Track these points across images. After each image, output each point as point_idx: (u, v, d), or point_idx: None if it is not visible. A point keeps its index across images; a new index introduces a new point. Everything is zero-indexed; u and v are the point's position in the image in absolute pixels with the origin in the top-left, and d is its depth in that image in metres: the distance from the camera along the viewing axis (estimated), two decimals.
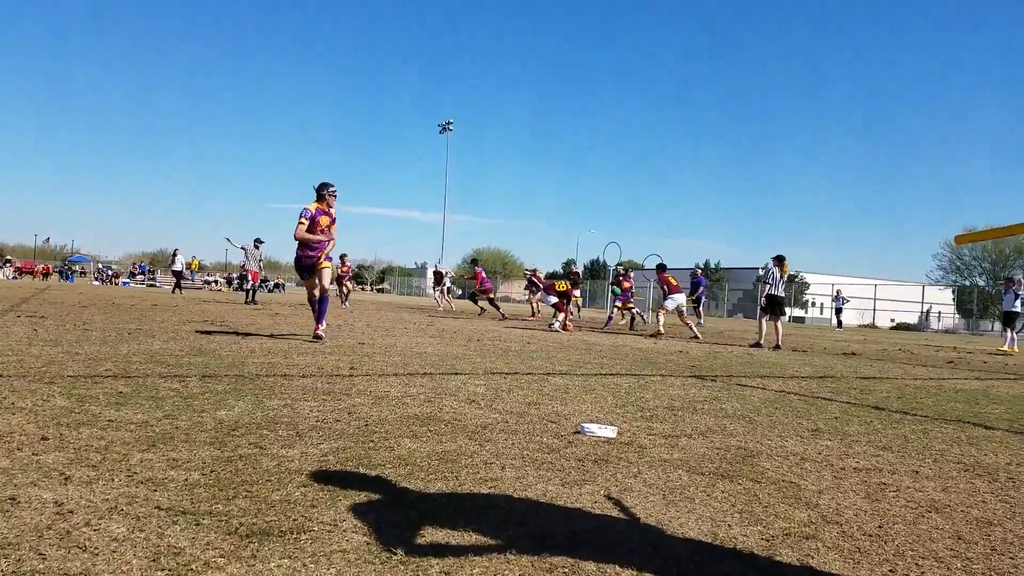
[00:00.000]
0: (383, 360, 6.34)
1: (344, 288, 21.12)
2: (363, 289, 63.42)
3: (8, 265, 44.69)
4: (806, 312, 59.06)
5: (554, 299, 13.85)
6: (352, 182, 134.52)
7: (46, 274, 45.65)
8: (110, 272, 44.44)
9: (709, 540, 2.09)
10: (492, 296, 20.11)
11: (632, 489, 2.59)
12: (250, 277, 19.90)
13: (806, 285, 59.93)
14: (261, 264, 20.27)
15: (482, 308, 20.61)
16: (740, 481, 2.79)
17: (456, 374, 5.64)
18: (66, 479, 2.27)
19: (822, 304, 57.52)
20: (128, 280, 42.61)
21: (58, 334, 7.01)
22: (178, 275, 26.64)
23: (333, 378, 5.00)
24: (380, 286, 68.27)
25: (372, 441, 3.10)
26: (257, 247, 20.39)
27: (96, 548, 1.73)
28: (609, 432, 3.51)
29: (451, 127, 61.11)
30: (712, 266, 69.95)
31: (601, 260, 29.33)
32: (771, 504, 2.51)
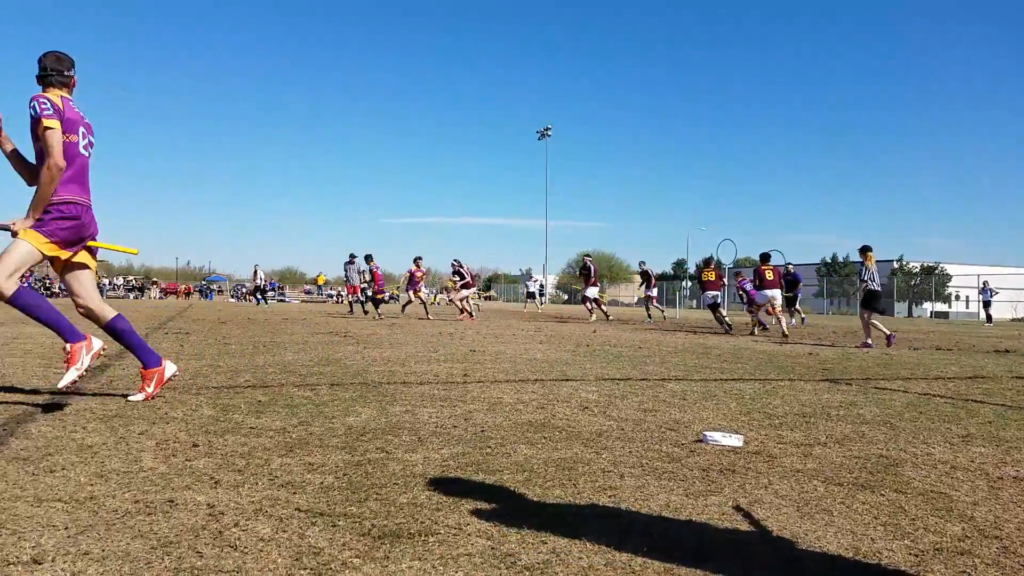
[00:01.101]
0: (494, 367, 6.44)
1: (417, 297, 19.29)
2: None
3: (154, 286, 49.01)
4: (949, 306, 54.37)
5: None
6: (457, 193, 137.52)
7: (188, 293, 49.67)
8: (244, 290, 47.79)
9: (850, 555, 1.97)
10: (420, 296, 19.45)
11: (762, 501, 2.48)
12: (346, 291, 22.25)
13: (948, 277, 55.44)
14: (363, 276, 21.31)
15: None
16: (883, 492, 2.62)
17: (567, 380, 5.63)
18: (216, 483, 2.46)
19: (967, 297, 52.93)
20: (261, 297, 45.67)
21: (201, 348, 7.61)
22: (260, 289, 29.29)
23: (448, 385, 5.13)
24: (487, 294, 69.47)
25: (489, 447, 3.15)
26: (352, 261, 21.65)
27: (245, 547, 1.86)
28: (735, 441, 3.39)
29: (550, 132, 61.22)
30: (840, 260, 66.17)
31: (715, 258, 28.25)
32: (919, 517, 2.33)
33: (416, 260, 18.75)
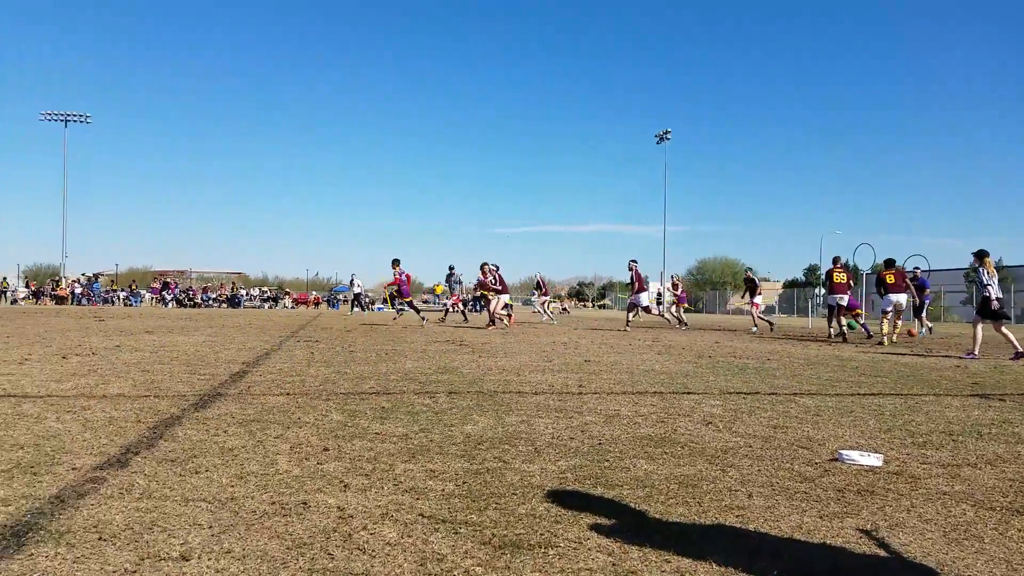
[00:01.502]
0: (610, 378, 6.35)
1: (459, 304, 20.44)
2: (584, 306, 64.39)
3: (287, 297, 52.29)
4: None
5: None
6: (573, 200, 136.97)
7: (316, 303, 52.52)
8: (367, 300, 50.12)
9: None
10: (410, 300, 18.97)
11: (904, 524, 2.29)
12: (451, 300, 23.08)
13: None
14: (460, 286, 22.01)
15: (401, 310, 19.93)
16: None
17: (688, 393, 5.46)
18: (345, 487, 2.56)
19: None
20: (382, 306, 47.62)
21: (330, 356, 8.01)
22: (357, 297, 31.29)
23: (564, 395, 5.11)
24: (601, 302, 68.63)
25: (607, 461, 3.10)
26: (451, 272, 23.19)
27: (373, 551, 1.92)
28: (873, 460, 3.15)
29: (669, 136, 59.92)
30: (996, 264, 60.43)
31: (852, 264, 26.51)
32: None
33: (482, 267, 17.73)
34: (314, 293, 57.12)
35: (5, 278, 42.87)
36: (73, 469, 2.74)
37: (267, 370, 6.37)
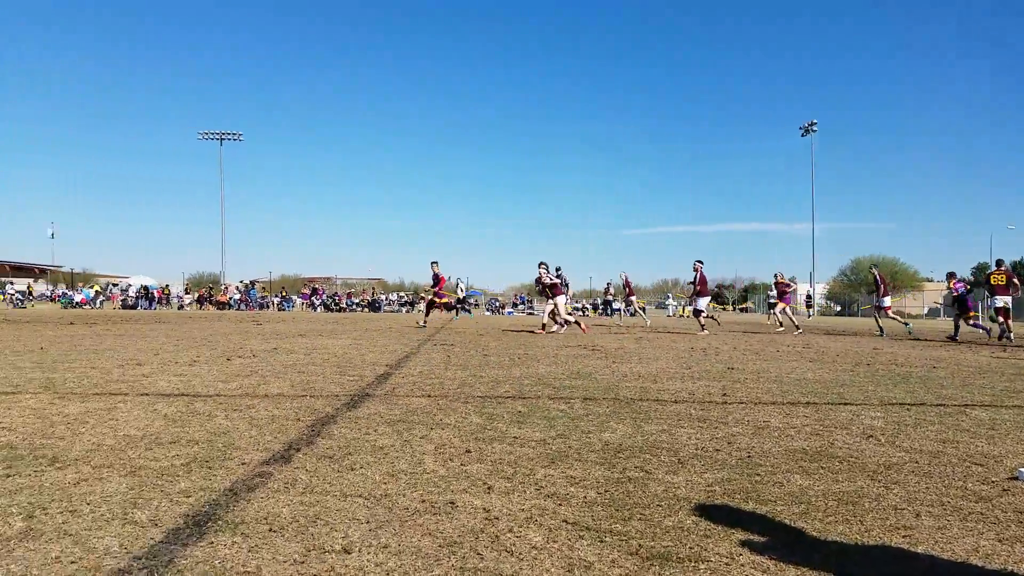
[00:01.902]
0: (757, 386, 6.06)
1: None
2: (725, 309, 61.91)
3: (422, 301, 54.58)
4: None
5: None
6: (709, 198, 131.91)
7: (449, 307, 54.33)
8: (497, 303, 51.10)
9: None
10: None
11: None
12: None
13: None
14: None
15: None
16: None
17: (845, 404, 5.11)
18: (488, 488, 2.62)
19: None
20: (512, 310, 48.41)
21: (465, 359, 8.23)
22: (460, 301, 31.51)
23: (706, 404, 4.94)
24: (743, 306, 65.66)
25: (757, 475, 2.96)
26: (559, 273, 22.23)
27: (520, 553, 1.95)
28: None
29: (815, 128, 56.54)
30: None
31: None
32: None
33: (541, 265, 16.24)
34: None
35: (168, 285, 47.67)
36: (243, 464, 2.98)
37: (408, 372, 6.65)
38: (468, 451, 3.25)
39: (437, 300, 18.09)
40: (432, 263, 17.44)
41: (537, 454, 3.23)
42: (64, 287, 54.34)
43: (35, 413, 4.07)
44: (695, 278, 16.91)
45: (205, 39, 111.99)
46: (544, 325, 15.80)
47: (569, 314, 17.78)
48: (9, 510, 2.30)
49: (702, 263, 16.81)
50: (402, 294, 55.19)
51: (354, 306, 46.13)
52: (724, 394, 5.52)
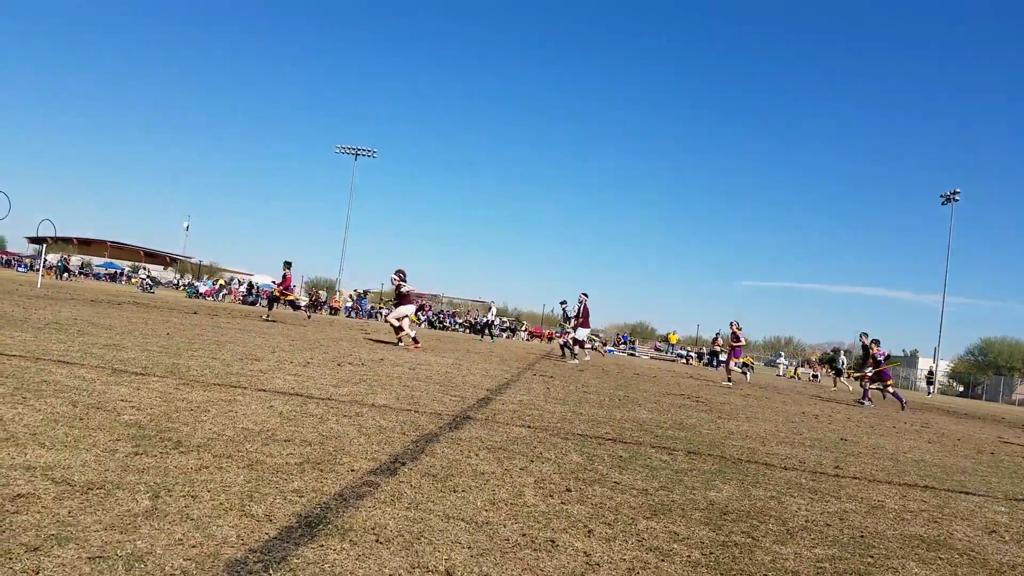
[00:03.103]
0: (871, 462, 5.66)
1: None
2: (839, 376, 58.00)
3: (523, 329, 54.86)
4: None
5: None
6: (832, 257, 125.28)
7: (550, 339, 54.37)
8: (597, 340, 50.73)
9: None
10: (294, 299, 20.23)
11: None
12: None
13: None
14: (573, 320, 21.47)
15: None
16: None
17: (966, 493, 4.68)
18: (589, 532, 2.57)
19: None
20: (612, 349, 47.88)
21: (565, 394, 8.18)
22: (488, 325, 32.14)
23: (817, 475, 4.65)
24: (859, 374, 61.54)
25: (871, 556, 2.76)
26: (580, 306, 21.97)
27: None
28: None
29: (957, 197, 52.94)
30: None
31: None
32: None
33: (398, 273, 15.04)
34: (548, 328, 59.11)
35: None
36: (351, 471, 3.08)
37: (509, 400, 6.68)
38: (568, 489, 3.21)
39: (281, 296, 20.30)
40: (285, 263, 19.91)
41: (639, 503, 3.14)
42: (191, 277, 58.72)
43: (161, 396, 4.37)
44: (579, 309, 17.72)
45: (355, 58, 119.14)
46: (397, 330, 14.62)
47: (582, 344, 18.45)
48: (137, 487, 2.47)
49: (587, 296, 17.67)
50: (505, 319, 55.83)
51: (456, 326, 47.09)
52: (837, 466, 5.19)
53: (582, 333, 17.67)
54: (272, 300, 20.45)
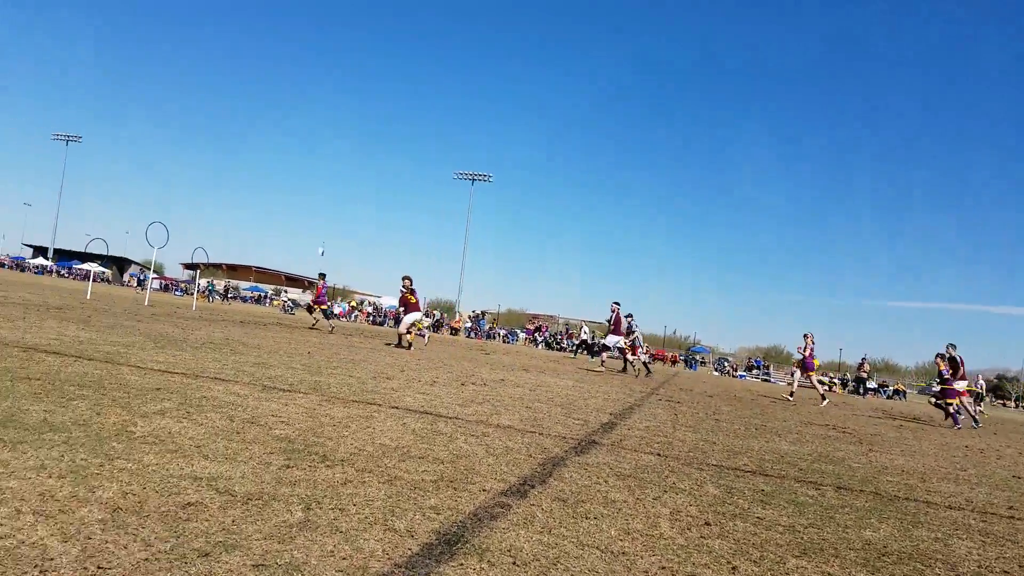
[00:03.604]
0: None
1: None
2: (1004, 404, 52.23)
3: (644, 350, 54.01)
4: None
5: None
6: (995, 276, 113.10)
7: (674, 361, 52.83)
8: (726, 364, 48.72)
9: None
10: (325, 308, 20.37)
11: None
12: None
13: None
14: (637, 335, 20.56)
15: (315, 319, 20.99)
16: None
17: None
18: (733, 569, 2.42)
19: None
20: (744, 374, 45.82)
21: (695, 421, 7.87)
22: (584, 343, 31.60)
23: (988, 516, 4.17)
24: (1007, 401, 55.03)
25: None
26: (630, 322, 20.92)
27: None
28: None
29: None
30: None
31: None
32: None
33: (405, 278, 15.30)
34: (671, 351, 57.59)
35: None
36: (483, 491, 3.09)
37: (634, 425, 6.51)
38: (707, 523, 3.05)
39: (315, 305, 20.54)
40: (320, 274, 20.60)
41: (786, 541, 2.93)
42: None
43: (307, 412, 4.61)
44: (611, 318, 17.81)
45: (475, 90, 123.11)
46: (400, 336, 15.21)
47: (608, 348, 18.26)
48: (291, 499, 2.60)
49: (619, 304, 17.68)
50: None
51: (573, 347, 46.87)
52: (1010, 507, 4.64)
53: (611, 340, 17.94)
54: (309, 309, 21.44)
